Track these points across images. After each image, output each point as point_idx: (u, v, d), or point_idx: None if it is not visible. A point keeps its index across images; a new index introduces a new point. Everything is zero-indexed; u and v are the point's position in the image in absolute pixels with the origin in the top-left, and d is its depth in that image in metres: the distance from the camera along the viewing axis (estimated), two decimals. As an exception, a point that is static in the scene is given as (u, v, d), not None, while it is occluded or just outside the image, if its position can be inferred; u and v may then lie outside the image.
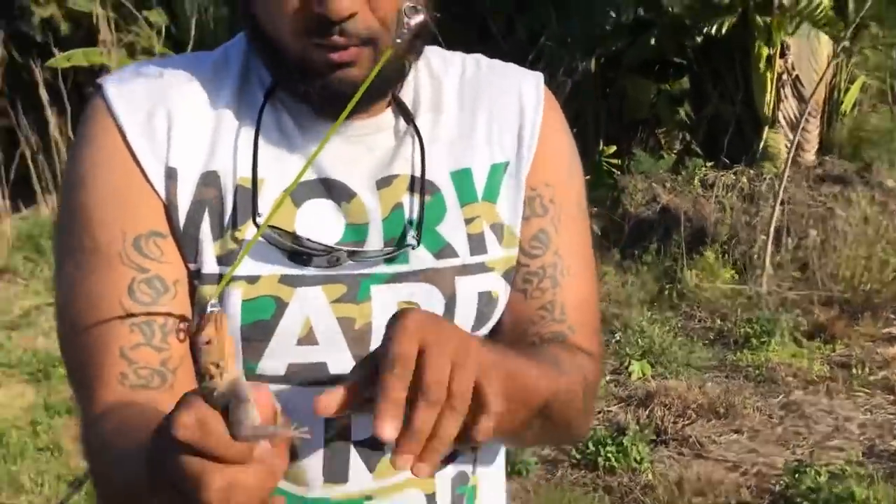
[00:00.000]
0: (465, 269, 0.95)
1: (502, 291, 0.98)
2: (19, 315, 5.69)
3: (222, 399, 0.59)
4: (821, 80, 6.77)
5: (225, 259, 0.89)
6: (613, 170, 8.02)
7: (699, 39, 8.15)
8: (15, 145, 8.90)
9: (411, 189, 0.93)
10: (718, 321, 5.05)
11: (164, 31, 9.60)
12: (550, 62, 8.88)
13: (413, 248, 0.92)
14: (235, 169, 0.90)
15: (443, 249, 0.94)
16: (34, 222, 8.55)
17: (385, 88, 0.91)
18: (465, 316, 0.94)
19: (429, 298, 0.92)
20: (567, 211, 1.01)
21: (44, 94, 7.62)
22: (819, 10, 7.06)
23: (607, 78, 9.14)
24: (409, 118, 0.95)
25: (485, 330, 0.97)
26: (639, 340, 4.64)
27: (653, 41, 8.29)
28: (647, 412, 4.03)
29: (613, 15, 8.38)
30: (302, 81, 0.87)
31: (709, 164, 7.38)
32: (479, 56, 1.04)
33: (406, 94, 0.96)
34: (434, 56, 1.01)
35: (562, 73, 8.55)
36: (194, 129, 0.89)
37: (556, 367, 0.90)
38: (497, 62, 1.03)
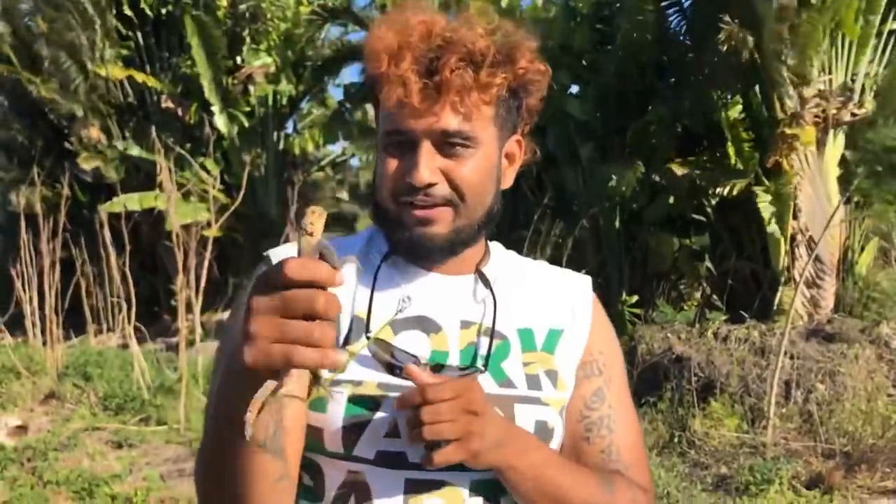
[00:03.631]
0: (523, 399, 1.18)
1: (558, 426, 1.20)
2: (67, 437, 6.05)
3: (316, 250, 0.82)
4: (822, 235, 7.10)
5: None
6: (635, 319, 8.35)
7: (714, 200, 8.58)
8: (72, 277, 9.52)
9: (485, 334, 1.20)
10: (723, 468, 5.27)
11: (220, 178, 10.37)
12: (572, 213, 9.44)
13: (481, 372, 1.17)
14: (353, 306, 1.19)
15: (504, 381, 1.18)
16: (82, 351, 9.02)
17: (456, 248, 1.20)
18: None
19: None
20: (615, 372, 1.28)
21: (106, 234, 8.20)
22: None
23: (630, 232, 9.62)
24: (488, 285, 1.24)
25: None
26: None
27: (671, 200, 8.73)
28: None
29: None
30: (396, 233, 1.18)
31: (724, 317, 7.67)
32: (543, 261, 1.37)
33: (490, 270, 1.26)
34: (514, 255, 1.34)
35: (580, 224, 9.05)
36: None
37: (605, 487, 1.18)
38: (557, 268, 1.35)
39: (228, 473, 1.01)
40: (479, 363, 1.18)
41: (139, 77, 10.90)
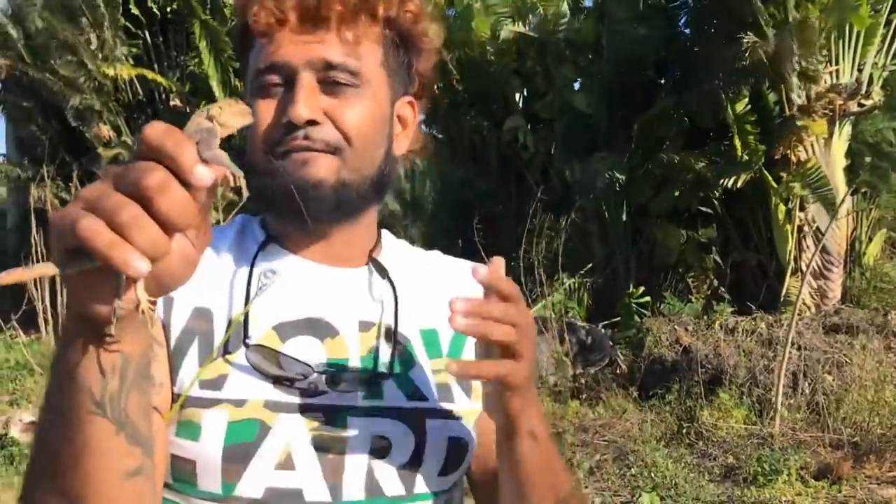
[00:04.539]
0: (435, 413, 1.01)
1: (472, 442, 1.04)
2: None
3: (196, 134, 0.64)
4: (828, 226, 7.11)
5: (212, 383, 0.94)
6: (643, 311, 8.36)
7: (718, 192, 8.59)
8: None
9: (386, 337, 1.02)
10: (731, 458, 5.30)
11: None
12: (572, 204, 9.47)
13: (385, 378, 0.99)
14: (231, 307, 0.98)
15: (413, 392, 1.01)
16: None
17: (344, 208, 0.99)
18: (434, 456, 0.99)
19: (401, 435, 0.98)
20: None
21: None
22: (814, 175, 7.56)
23: (637, 225, 9.63)
24: (385, 275, 1.05)
25: (454, 476, 1.03)
26: (651, 474, 4.91)
27: (676, 193, 8.74)
28: (656, 543, 4.28)
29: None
30: (271, 187, 0.96)
31: (730, 309, 7.69)
32: (437, 252, 1.19)
33: (384, 260, 1.08)
34: (406, 245, 1.16)
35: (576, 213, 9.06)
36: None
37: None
38: (452, 258, 1.17)
39: (59, 445, 0.73)
40: (384, 369, 1.01)
41: (149, 75, 10.97)
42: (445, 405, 1.03)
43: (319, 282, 1.03)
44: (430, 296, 1.08)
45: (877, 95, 8.31)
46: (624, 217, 9.55)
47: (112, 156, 11.26)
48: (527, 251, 8.52)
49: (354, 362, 1.00)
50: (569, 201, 9.60)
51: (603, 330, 8.09)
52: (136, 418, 0.73)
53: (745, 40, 7.21)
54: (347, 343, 1.01)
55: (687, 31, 9.13)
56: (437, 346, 1.06)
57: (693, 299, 9.39)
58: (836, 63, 8.22)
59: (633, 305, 8.44)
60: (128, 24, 11.36)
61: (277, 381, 0.95)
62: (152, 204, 0.59)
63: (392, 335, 1.02)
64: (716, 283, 9.56)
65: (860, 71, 8.32)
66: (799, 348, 6.55)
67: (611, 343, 7.74)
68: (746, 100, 8.31)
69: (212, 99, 11.16)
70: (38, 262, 8.67)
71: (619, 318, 8.58)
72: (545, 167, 9.98)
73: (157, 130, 0.60)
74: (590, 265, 9.26)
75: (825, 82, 7.97)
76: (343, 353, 1.00)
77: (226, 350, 0.95)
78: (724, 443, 5.58)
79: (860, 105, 8.21)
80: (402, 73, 1.06)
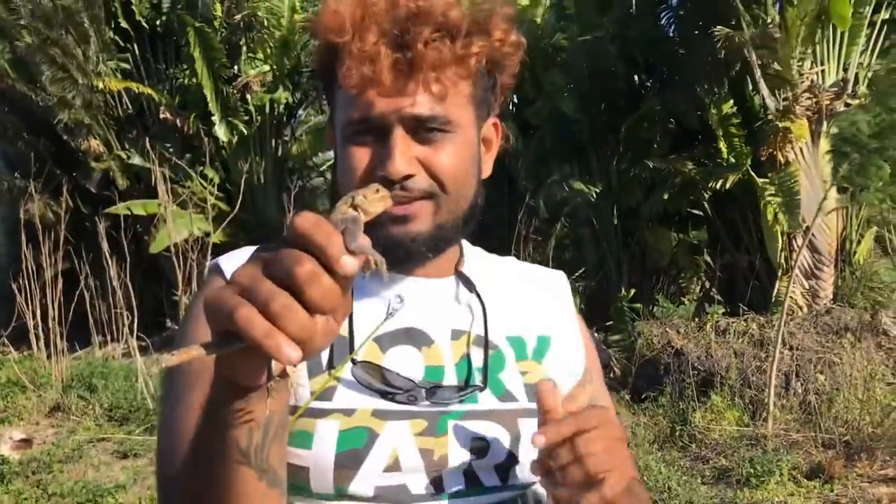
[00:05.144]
0: (526, 413, 1.07)
1: None
2: (72, 449, 6.08)
3: (342, 224, 0.68)
4: (813, 222, 7.12)
5: (322, 394, 1.01)
6: (634, 314, 8.36)
7: (708, 194, 8.61)
8: (76, 289, 9.54)
9: (476, 344, 1.09)
10: (724, 460, 5.30)
11: (218, 187, 10.40)
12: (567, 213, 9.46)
13: (481, 390, 1.06)
14: None
15: (504, 394, 1.08)
16: (87, 362, 9.05)
17: (440, 247, 1.07)
18: (528, 452, 1.04)
19: (497, 436, 1.05)
20: (598, 371, 1.22)
21: (104, 245, 8.25)
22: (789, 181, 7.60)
23: (628, 229, 9.65)
24: (472, 287, 1.12)
25: None
26: (644, 478, 4.91)
27: (666, 196, 8.75)
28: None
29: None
30: (369, 235, 0.96)
31: (721, 311, 7.69)
32: (511, 258, 1.26)
33: (468, 271, 1.15)
34: (483, 252, 1.23)
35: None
36: None
37: None
38: (528, 265, 1.26)
39: (205, 489, 0.84)
40: (476, 376, 1.07)
41: (138, 88, 10.96)
42: (535, 404, 1.07)
43: (414, 293, 1.10)
44: (514, 303, 1.16)
45: (862, 96, 8.35)
46: (615, 221, 9.56)
47: (105, 167, 11.26)
48: (517, 257, 8.53)
49: (450, 369, 1.07)
50: (557, 207, 9.60)
51: (596, 334, 8.08)
52: (275, 465, 0.83)
53: (723, 31, 7.23)
54: (442, 351, 1.08)
55: (670, 33, 9.16)
56: (524, 350, 1.14)
57: (685, 301, 9.40)
58: (822, 63, 8.25)
59: (626, 309, 8.44)
60: (116, 37, 11.37)
61: (382, 394, 1.02)
62: (302, 293, 0.64)
63: (482, 342, 1.09)
64: (707, 284, 9.58)
65: (846, 70, 8.35)
66: (791, 348, 6.56)
67: (604, 347, 7.73)
68: (732, 101, 8.34)
69: (202, 110, 11.15)
70: (27, 277, 8.63)
71: (612, 322, 8.58)
72: (537, 173, 9.99)
73: (307, 221, 0.66)
74: (582, 269, 9.27)
75: (811, 82, 7.99)
76: (439, 361, 1.07)
77: (331, 365, 1.03)
78: (716, 445, 5.58)
79: (847, 105, 8.23)
80: (487, 97, 1.10)
